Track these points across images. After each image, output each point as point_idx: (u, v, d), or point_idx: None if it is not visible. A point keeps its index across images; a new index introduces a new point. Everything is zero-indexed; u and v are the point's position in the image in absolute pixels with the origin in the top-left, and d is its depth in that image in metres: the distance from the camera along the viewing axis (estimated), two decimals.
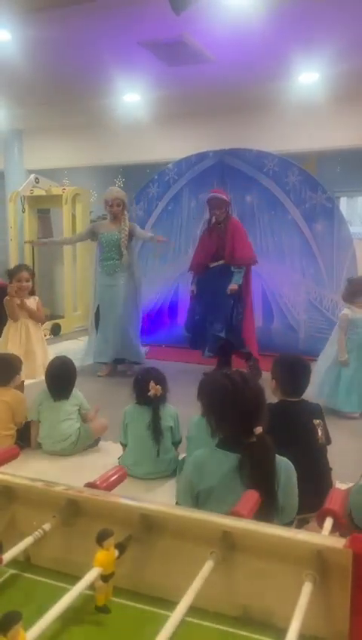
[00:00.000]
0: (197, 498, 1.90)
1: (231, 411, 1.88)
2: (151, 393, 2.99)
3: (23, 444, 3.29)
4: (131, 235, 5.25)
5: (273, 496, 1.59)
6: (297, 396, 2.56)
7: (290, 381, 2.57)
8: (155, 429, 2.97)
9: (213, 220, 5.15)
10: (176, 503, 1.99)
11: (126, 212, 5.30)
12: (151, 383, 3.00)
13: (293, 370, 2.59)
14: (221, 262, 5.03)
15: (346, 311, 4.21)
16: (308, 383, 2.62)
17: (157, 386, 2.99)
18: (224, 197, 5.12)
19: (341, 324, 4.19)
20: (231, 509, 1.30)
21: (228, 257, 4.98)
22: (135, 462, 2.96)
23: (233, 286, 4.92)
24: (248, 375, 2.03)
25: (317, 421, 2.47)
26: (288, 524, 1.78)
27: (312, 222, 6.01)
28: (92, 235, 5.43)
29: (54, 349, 5.99)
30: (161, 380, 3.06)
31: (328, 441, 2.51)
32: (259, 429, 1.84)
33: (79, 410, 3.45)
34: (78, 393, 3.51)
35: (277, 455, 1.90)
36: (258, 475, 1.78)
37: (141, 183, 7.12)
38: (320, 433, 2.45)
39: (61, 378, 3.45)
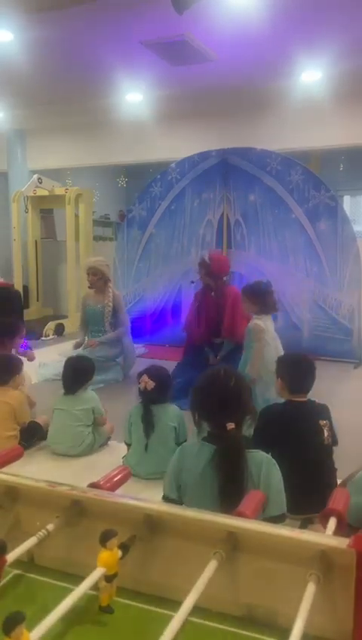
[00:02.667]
0: (179, 489, 1.94)
1: (207, 401, 1.94)
2: (141, 386, 3.00)
3: (26, 445, 3.29)
4: (116, 310, 5.01)
5: (242, 492, 1.59)
6: (303, 394, 2.56)
7: (296, 379, 2.57)
8: (146, 423, 2.98)
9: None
10: (163, 495, 1.99)
11: (109, 284, 5.03)
12: (143, 377, 3.00)
13: (298, 368, 2.60)
14: (220, 339, 4.51)
15: (258, 321, 3.67)
16: (314, 380, 2.61)
17: (149, 380, 2.98)
18: (206, 260, 4.52)
19: (257, 335, 3.63)
20: (237, 509, 1.29)
21: (227, 332, 4.40)
22: (137, 462, 2.97)
23: (214, 360, 4.40)
24: (235, 373, 2.04)
25: (323, 422, 2.46)
26: (277, 518, 1.78)
27: (316, 221, 6.00)
28: (85, 306, 5.18)
29: (58, 350, 6.03)
30: (158, 376, 3.04)
31: (334, 442, 2.51)
32: (230, 425, 1.85)
33: (93, 412, 3.42)
34: (94, 396, 3.49)
35: (259, 451, 1.91)
36: (227, 469, 1.82)
37: (144, 182, 7.13)
38: (326, 434, 2.44)
39: (77, 371, 3.49)
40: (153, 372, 3.07)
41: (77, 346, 5.13)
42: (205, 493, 1.85)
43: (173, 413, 3.07)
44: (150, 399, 3.02)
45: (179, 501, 1.92)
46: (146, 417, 2.99)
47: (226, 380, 1.96)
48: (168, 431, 3.00)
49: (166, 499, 1.95)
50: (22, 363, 3.63)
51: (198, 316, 4.59)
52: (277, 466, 1.90)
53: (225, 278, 4.62)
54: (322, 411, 2.53)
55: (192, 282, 4.75)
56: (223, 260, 4.70)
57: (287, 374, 2.59)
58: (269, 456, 1.92)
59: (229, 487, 1.79)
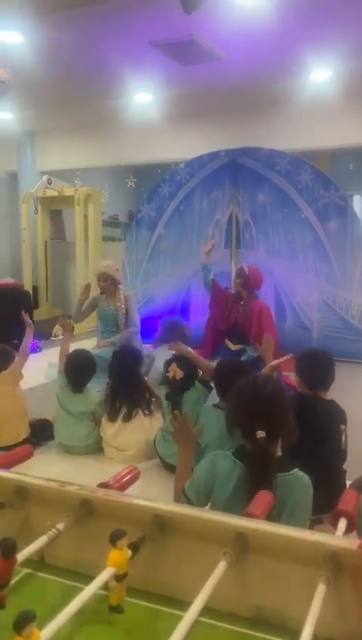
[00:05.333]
0: (206, 498, 1.87)
1: (239, 405, 1.83)
2: (169, 375, 2.97)
3: (36, 441, 3.31)
4: (126, 311, 5.01)
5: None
6: (323, 390, 2.52)
7: (316, 375, 2.53)
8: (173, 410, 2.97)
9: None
10: (183, 492, 1.94)
11: (120, 286, 5.04)
12: (173, 365, 2.98)
13: (317, 364, 2.55)
14: (241, 346, 4.64)
15: None
16: (333, 377, 2.57)
17: (178, 370, 2.95)
18: (246, 271, 4.74)
19: None
20: (246, 509, 1.29)
21: (254, 339, 4.47)
22: (164, 448, 2.99)
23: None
24: (274, 382, 1.92)
25: (343, 426, 2.44)
26: None
27: (325, 220, 5.98)
28: (94, 306, 5.19)
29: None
30: (187, 365, 3.01)
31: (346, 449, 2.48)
32: (260, 434, 1.69)
33: (93, 415, 3.40)
34: (95, 399, 3.43)
35: (296, 472, 1.76)
36: (252, 490, 1.64)
37: (153, 182, 7.14)
38: (344, 439, 2.42)
39: (80, 366, 3.46)
40: (182, 361, 3.04)
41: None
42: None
43: (195, 397, 3.03)
44: (178, 388, 3.00)
45: (197, 505, 1.85)
46: (174, 406, 2.94)
47: (262, 386, 1.82)
48: (194, 416, 2.96)
49: (185, 495, 1.89)
50: (12, 351, 3.61)
51: (225, 314, 4.80)
52: (311, 489, 1.75)
53: (256, 293, 4.82)
54: (343, 415, 2.50)
55: (226, 288, 4.97)
56: (260, 277, 4.88)
57: (306, 371, 2.54)
58: (307, 480, 1.75)
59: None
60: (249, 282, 4.70)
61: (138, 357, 3.50)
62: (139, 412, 3.20)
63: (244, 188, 6.35)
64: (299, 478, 1.75)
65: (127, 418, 3.18)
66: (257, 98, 6.69)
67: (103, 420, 3.27)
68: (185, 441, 2.11)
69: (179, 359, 3.06)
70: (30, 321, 3.78)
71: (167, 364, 3.07)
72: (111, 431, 3.22)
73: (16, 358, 3.50)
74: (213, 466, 1.85)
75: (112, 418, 3.21)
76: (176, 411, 2.15)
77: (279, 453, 1.82)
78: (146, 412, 3.22)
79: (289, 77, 5.98)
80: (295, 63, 5.56)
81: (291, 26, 4.65)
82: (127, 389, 3.24)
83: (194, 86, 6.31)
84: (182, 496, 1.91)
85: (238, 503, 1.67)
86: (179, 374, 2.95)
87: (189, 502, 1.87)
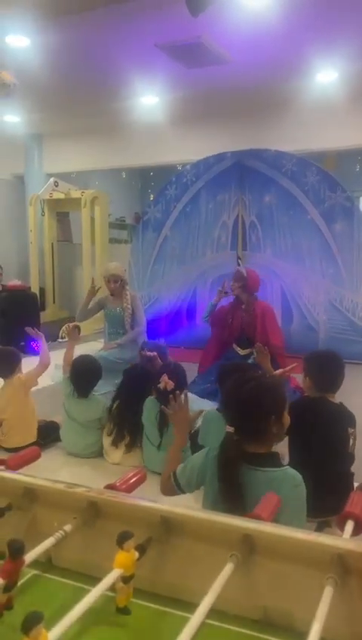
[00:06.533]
0: (195, 486, 1.90)
1: (226, 400, 1.88)
2: (161, 386, 2.98)
3: (43, 443, 3.32)
4: (132, 311, 5.01)
5: (237, 510, 1.40)
6: (332, 393, 2.51)
7: (325, 377, 2.50)
8: (161, 422, 2.98)
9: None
10: (174, 475, 1.94)
11: (127, 287, 5.05)
12: (164, 376, 2.99)
13: (327, 365, 2.53)
14: (250, 350, 4.59)
15: None
16: (343, 378, 2.54)
17: (170, 381, 2.96)
18: (244, 274, 4.72)
19: None
20: (253, 511, 1.29)
21: (261, 343, 4.41)
22: (149, 459, 2.99)
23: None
24: (261, 381, 1.87)
25: (351, 430, 2.43)
26: None
27: (331, 222, 5.97)
28: (101, 307, 5.20)
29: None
30: (177, 375, 3.03)
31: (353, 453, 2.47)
32: (228, 428, 1.74)
33: (100, 422, 3.41)
34: (101, 406, 3.43)
35: (287, 469, 1.75)
36: (220, 481, 1.73)
37: (159, 185, 7.16)
38: (351, 442, 2.41)
39: (86, 371, 3.47)
40: (172, 371, 3.05)
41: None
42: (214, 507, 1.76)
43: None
44: (167, 399, 3.01)
45: (181, 491, 1.91)
46: (162, 416, 2.97)
47: (239, 386, 1.82)
48: None
49: (175, 478, 1.93)
50: (20, 354, 3.63)
51: (227, 322, 4.78)
52: (304, 492, 1.72)
53: (255, 294, 4.81)
54: (351, 419, 2.49)
55: (226, 293, 4.96)
56: (257, 278, 4.90)
57: (316, 373, 2.52)
58: (299, 478, 1.73)
59: (226, 504, 1.68)
60: (248, 284, 4.71)
61: (148, 378, 3.42)
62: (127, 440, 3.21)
63: (250, 189, 6.35)
64: (288, 475, 1.73)
65: (130, 449, 3.20)
66: (263, 100, 6.69)
67: (106, 442, 3.28)
68: (180, 422, 2.15)
69: (170, 369, 3.07)
70: (37, 332, 3.77)
71: (157, 374, 3.08)
72: (115, 457, 3.24)
73: (36, 367, 3.51)
74: (207, 460, 1.88)
75: (116, 443, 3.23)
76: (178, 391, 2.16)
77: (267, 450, 1.80)
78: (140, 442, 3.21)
79: (295, 78, 5.98)
80: (301, 65, 5.56)
81: (297, 28, 4.65)
82: (134, 418, 3.22)
83: (200, 88, 6.32)
84: (171, 479, 1.94)
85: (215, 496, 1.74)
86: (171, 385, 2.95)
87: (178, 485, 1.90)
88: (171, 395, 2.23)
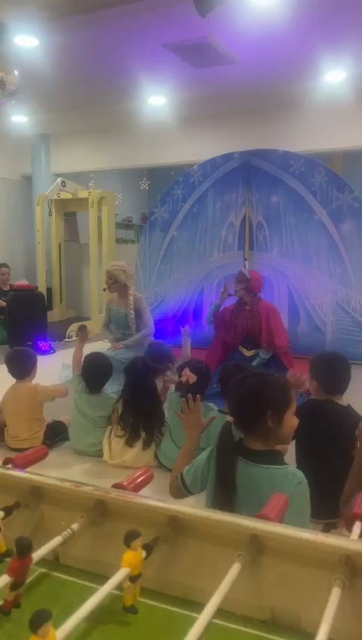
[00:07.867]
0: (200, 486, 1.91)
1: (234, 388, 1.89)
2: (183, 379, 2.96)
3: (50, 443, 3.33)
4: (138, 313, 4.98)
5: (230, 508, 1.43)
6: (340, 393, 2.50)
7: (333, 379, 2.51)
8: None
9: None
10: (181, 474, 1.96)
11: (129, 290, 4.96)
12: (185, 370, 2.97)
13: (335, 367, 2.53)
14: (255, 351, 4.68)
15: None
16: (350, 379, 2.55)
17: (192, 374, 2.94)
18: (247, 276, 4.77)
19: None
20: (261, 512, 1.28)
21: (266, 344, 4.63)
22: (165, 455, 2.99)
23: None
24: (262, 378, 1.86)
25: (359, 432, 2.42)
26: None
27: (339, 222, 5.95)
28: (110, 310, 5.18)
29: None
30: (200, 371, 3.01)
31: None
32: (229, 418, 1.78)
33: (109, 419, 3.42)
34: (111, 400, 3.44)
35: (287, 467, 1.75)
36: (218, 476, 1.75)
37: (166, 184, 7.16)
38: (359, 444, 2.40)
39: (97, 367, 3.49)
40: (196, 366, 3.04)
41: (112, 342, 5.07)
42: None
43: (204, 410, 3.04)
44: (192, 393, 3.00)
45: (188, 492, 1.92)
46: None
47: (241, 382, 1.84)
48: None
49: (181, 479, 1.95)
50: (35, 355, 3.65)
51: (232, 324, 4.80)
52: (306, 491, 1.70)
53: (259, 295, 4.84)
54: (359, 421, 2.48)
55: (230, 295, 4.97)
56: (260, 279, 4.94)
57: (322, 375, 2.52)
58: (300, 476, 1.72)
59: (220, 499, 1.69)
60: (251, 285, 4.75)
61: (153, 370, 3.46)
62: (144, 437, 3.20)
63: (258, 190, 6.34)
64: (289, 474, 1.73)
65: (147, 445, 3.20)
66: (271, 100, 6.69)
67: (115, 443, 3.27)
68: (192, 426, 2.14)
69: (193, 364, 3.06)
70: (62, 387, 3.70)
71: (180, 368, 3.07)
72: (117, 447, 3.24)
73: (58, 388, 3.52)
74: (211, 458, 1.89)
75: (131, 443, 3.22)
76: (189, 395, 2.16)
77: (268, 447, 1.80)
78: (157, 437, 3.21)
79: (303, 78, 5.97)
80: (309, 65, 5.55)
81: (305, 28, 4.64)
82: (140, 413, 3.22)
83: (207, 88, 6.32)
84: (178, 480, 1.95)
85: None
86: (193, 379, 2.94)
87: (184, 485, 1.91)
88: (184, 399, 2.23)
